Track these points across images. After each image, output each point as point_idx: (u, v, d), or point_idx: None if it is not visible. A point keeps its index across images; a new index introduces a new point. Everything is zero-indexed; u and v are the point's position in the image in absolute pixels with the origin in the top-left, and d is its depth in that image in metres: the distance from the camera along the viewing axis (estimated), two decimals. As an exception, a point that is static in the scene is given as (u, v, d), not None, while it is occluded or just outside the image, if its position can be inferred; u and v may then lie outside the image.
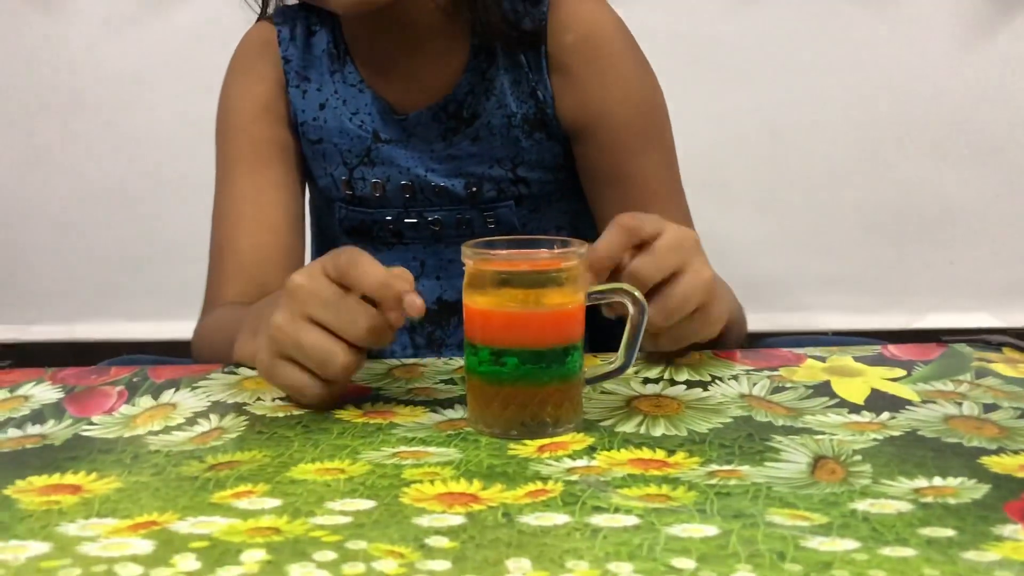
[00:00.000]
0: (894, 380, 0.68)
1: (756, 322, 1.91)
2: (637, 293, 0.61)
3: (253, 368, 0.72)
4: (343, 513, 0.48)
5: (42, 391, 0.68)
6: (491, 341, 0.58)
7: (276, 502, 0.49)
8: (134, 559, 0.43)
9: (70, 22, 1.74)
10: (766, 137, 1.81)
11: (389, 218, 0.91)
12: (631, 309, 0.61)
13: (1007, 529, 0.45)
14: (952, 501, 0.48)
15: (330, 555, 0.43)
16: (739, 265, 1.88)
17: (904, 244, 1.87)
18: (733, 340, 0.81)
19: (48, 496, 0.51)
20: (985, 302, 1.90)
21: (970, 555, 0.42)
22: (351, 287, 0.60)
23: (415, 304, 0.59)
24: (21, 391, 0.68)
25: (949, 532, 0.45)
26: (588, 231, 0.93)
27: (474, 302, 0.59)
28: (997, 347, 0.77)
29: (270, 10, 0.96)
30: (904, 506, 0.47)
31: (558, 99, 0.87)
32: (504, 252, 0.59)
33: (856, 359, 0.74)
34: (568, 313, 0.58)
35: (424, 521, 0.47)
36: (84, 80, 1.76)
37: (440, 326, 0.94)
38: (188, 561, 0.43)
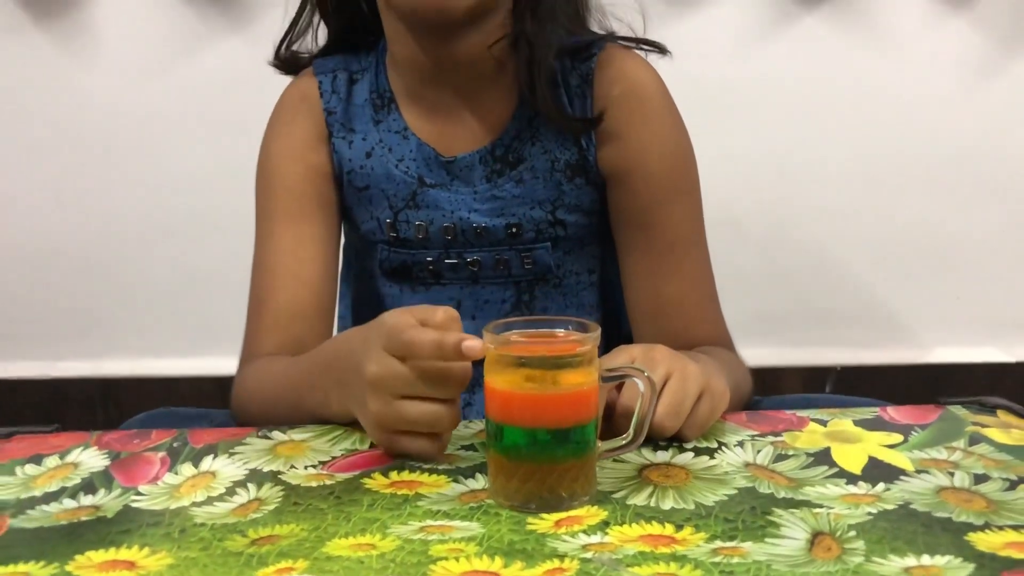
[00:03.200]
0: (891, 447, 0.72)
1: (765, 357, 1.95)
2: (647, 371, 0.65)
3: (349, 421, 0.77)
4: (377, 591, 0.52)
5: (89, 457, 0.73)
6: (511, 420, 0.62)
7: (315, 579, 0.53)
8: (189, 639, 0.47)
9: (100, 67, 1.79)
10: (775, 175, 1.85)
11: (430, 259, 0.95)
12: (642, 387, 0.65)
13: (987, 611, 0.49)
14: (938, 581, 0.52)
15: (367, 635, 0.47)
16: (748, 300, 1.93)
17: (911, 279, 1.91)
18: (739, 401, 0.86)
19: (106, 573, 0.55)
20: (992, 336, 1.94)
21: (952, 638, 0.46)
22: (417, 359, 0.67)
23: (474, 349, 0.65)
24: (70, 458, 0.73)
25: (934, 614, 0.49)
26: (614, 274, 0.98)
27: (495, 383, 0.63)
28: (992, 410, 0.81)
29: (298, 68, 1.00)
30: (894, 586, 0.51)
31: (600, 147, 0.92)
32: (523, 338, 0.64)
33: (856, 423, 0.78)
34: (584, 393, 0.63)
35: (451, 600, 0.51)
36: (112, 123, 1.81)
37: (476, 366, 0.98)
38: (239, 641, 0.47)
